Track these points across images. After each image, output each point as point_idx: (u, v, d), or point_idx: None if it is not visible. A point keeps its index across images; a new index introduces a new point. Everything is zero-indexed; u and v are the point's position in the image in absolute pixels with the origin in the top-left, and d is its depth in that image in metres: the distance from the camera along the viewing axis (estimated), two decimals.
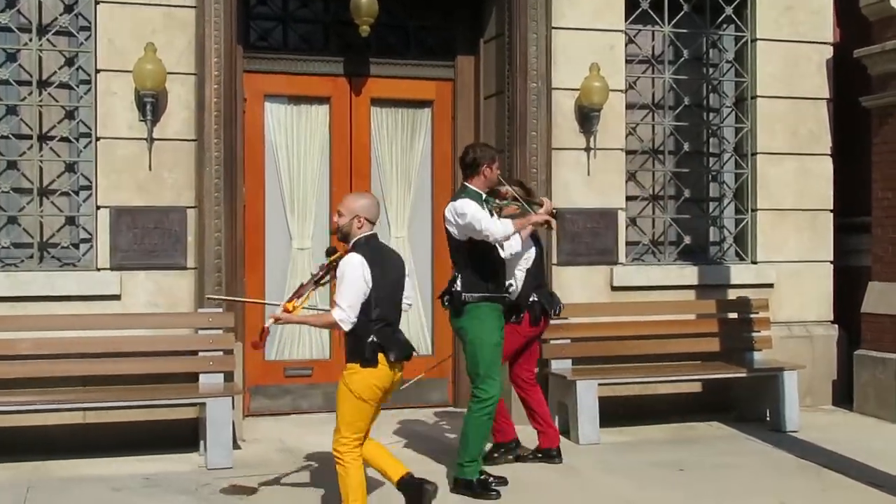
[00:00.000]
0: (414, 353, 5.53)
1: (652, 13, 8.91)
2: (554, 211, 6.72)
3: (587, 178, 8.57)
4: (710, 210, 9.37)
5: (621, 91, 8.70)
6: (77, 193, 7.74)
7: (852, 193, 9.34)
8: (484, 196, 6.42)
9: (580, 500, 6.27)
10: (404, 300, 5.59)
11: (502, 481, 6.41)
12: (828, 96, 9.29)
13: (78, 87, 7.72)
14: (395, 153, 9.02)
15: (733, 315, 8.74)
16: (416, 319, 9.01)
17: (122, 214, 7.56)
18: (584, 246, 8.57)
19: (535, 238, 7.14)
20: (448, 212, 6.40)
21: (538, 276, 7.16)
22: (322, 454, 7.23)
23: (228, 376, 7.46)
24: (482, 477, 6.33)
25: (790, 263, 9.17)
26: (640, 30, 8.99)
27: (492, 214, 6.37)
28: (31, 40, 7.60)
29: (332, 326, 5.41)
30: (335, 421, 5.40)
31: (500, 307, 6.44)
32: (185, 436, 7.42)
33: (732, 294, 8.85)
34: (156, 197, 7.64)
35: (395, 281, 5.48)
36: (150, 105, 7.50)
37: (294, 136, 8.74)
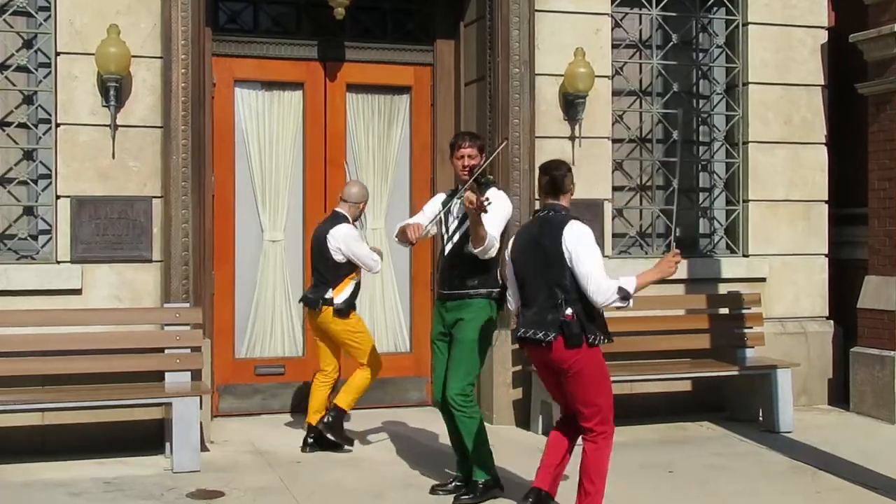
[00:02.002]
0: (314, 305, 7.19)
1: None
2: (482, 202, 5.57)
3: (572, 168, 8.37)
4: (700, 201, 9.26)
5: (607, 77, 8.59)
6: (36, 182, 7.58)
7: (848, 183, 9.22)
8: (458, 191, 6.06)
9: None
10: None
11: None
12: (822, 83, 9.20)
13: (37, 70, 7.56)
14: (372, 141, 8.89)
15: (724, 311, 8.65)
16: (394, 316, 8.91)
17: (83, 204, 7.43)
18: None
19: (520, 245, 5.56)
20: None
21: (532, 289, 5.41)
22: (293, 456, 7.22)
23: (196, 375, 7.36)
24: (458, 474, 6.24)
25: (783, 256, 9.07)
26: (626, 13, 8.87)
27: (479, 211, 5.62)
28: None
29: None
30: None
31: (438, 304, 6.19)
32: (150, 437, 7.31)
33: (723, 289, 8.75)
34: (119, 186, 7.52)
35: (313, 249, 7.34)
36: (114, 90, 7.37)
37: (266, 123, 8.60)
